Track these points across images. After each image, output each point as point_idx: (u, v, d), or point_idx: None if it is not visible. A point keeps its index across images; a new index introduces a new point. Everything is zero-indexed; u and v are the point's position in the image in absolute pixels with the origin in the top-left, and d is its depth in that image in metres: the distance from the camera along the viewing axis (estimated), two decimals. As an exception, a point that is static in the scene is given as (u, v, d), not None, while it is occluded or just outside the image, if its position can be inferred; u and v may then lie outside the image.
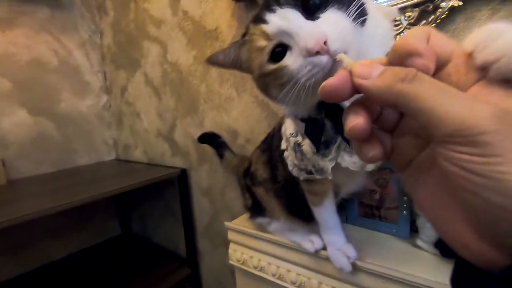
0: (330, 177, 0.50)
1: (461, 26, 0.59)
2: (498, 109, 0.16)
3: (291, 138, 0.54)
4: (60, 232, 1.43)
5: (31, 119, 1.33)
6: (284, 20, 0.32)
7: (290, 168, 0.56)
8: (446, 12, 0.59)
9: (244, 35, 0.39)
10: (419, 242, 0.61)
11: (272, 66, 0.34)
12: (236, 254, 0.80)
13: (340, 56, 0.24)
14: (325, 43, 0.29)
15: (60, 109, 1.44)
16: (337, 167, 0.49)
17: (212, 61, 0.41)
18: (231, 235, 0.81)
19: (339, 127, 0.44)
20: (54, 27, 1.41)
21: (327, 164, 0.49)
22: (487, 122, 0.15)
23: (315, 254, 0.63)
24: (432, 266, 0.55)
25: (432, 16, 0.61)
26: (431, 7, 0.60)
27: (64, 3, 1.43)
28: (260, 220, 0.72)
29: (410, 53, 0.19)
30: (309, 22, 0.31)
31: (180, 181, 1.24)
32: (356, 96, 0.21)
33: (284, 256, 0.70)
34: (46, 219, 0.85)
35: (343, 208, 0.73)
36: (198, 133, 1.17)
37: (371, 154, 0.21)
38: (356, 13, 0.31)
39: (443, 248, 0.57)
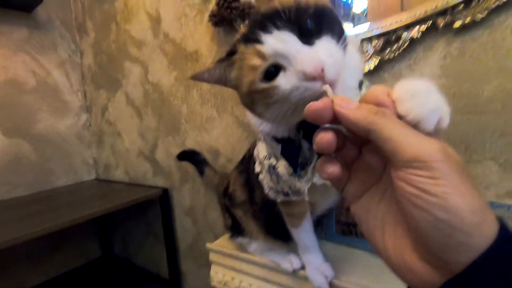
0: (306, 198, 0.52)
1: (421, 55, 0.64)
2: (442, 145, 0.21)
3: (265, 161, 0.55)
4: (36, 256, 1.37)
5: (6, 141, 1.30)
6: (281, 42, 0.32)
7: (266, 191, 0.57)
8: (407, 43, 0.64)
9: (230, 54, 0.39)
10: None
11: (263, 85, 0.35)
12: (218, 275, 0.80)
13: (325, 87, 0.28)
14: (321, 69, 0.30)
15: (38, 129, 1.40)
16: (312, 186, 0.50)
17: (196, 78, 0.41)
18: (212, 257, 0.81)
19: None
20: (32, 47, 1.39)
21: (304, 185, 0.50)
22: (437, 153, 0.20)
23: (294, 274, 0.64)
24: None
25: (395, 45, 0.66)
26: (393, 37, 0.65)
27: (42, 23, 1.43)
28: (240, 240, 0.73)
29: (379, 104, 0.24)
30: (306, 47, 0.32)
31: (162, 201, 1.23)
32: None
33: (264, 277, 0.70)
34: (21, 244, 0.82)
35: (319, 225, 0.76)
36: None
37: (330, 169, 0.26)
38: (343, 43, 0.34)
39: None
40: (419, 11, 0.61)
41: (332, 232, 0.76)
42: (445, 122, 0.24)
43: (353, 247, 0.72)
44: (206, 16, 0.91)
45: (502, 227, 0.21)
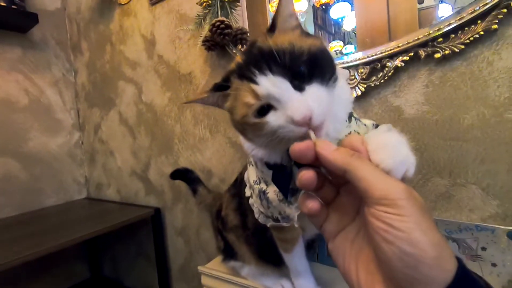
0: (296, 225, 0.53)
1: (405, 83, 0.68)
2: (407, 187, 0.25)
3: (255, 186, 0.56)
4: (22, 279, 1.33)
5: (-5, 161, 1.28)
6: (275, 87, 0.34)
7: (256, 215, 0.58)
8: (392, 71, 0.67)
9: (224, 84, 0.40)
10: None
11: (255, 120, 0.37)
12: (210, 299, 0.79)
13: (309, 132, 0.32)
14: (309, 118, 0.32)
15: (28, 148, 1.39)
16: (302, 214, 0.51)
17: (190, 104, 0.44)
18: (204, 280, 0.80)
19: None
20: (26, 66, 1.40)
21: (294, 211, 0.51)
22: (403, 193, 0.24)
23: (286, 300, 0.64)
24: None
25: (381, 73, 0.69)
26: (379, 65, 0.69)
27: (37, 43, 1.44)
28: (233, 263, 0.73)
29: (354, 150, 0.28)
30: (297, 94, 0.34)
31: (154, 220, 1.22)
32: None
33: (257, 302, 0.70)
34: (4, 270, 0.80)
35: (312, 248, 0.76)
36: (172, 172, 1.18)
37: (311, 205, 0.29)
38: (334, 81, 0.36)
39: None
40: (402, 42, 0.65)
41: (325, 255, 0.77)
42: (411, 171, 0.28)
43: (345, 270, 0.72)
44: (200, 39, 0.94)
45: (460, 265, 0.23)
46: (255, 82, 0.35)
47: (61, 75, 1.53)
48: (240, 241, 0.69)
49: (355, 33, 0.77)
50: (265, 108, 0.36)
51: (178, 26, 1.07)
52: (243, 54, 0.40)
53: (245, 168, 0.66)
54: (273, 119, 0.35)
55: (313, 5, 0.96)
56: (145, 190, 1.31)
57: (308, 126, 0.33)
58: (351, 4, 0.77)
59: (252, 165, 0.57)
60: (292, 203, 0.50)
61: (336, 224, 0.30)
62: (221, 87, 0.40)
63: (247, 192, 0.61)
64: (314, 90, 0.34)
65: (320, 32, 0.92)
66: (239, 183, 0.69)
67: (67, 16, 1.55)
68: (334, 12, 0.80)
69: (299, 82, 0.34)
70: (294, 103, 0.33)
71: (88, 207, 1.42)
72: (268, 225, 0.58)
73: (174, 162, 1.17)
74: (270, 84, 0.34)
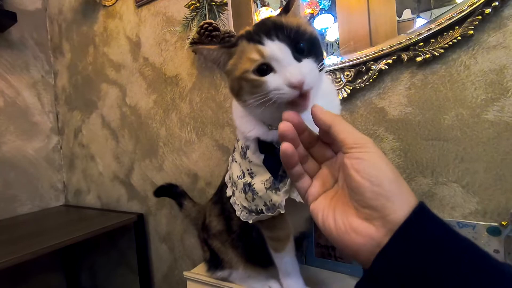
0: (282, 211, 0.51)
1: (389, 85, 0.70)
2: (371, 139, 0.32)
3: (239, 181, 0.56)
4: (-10, 294, 1.24)
5: (-36, 165, 1.20)
6: (279, 50, 0.40)
7: (238, 213, 0.58)
8: (377, 73, 0.70)
9: (232, 45, 0.44)
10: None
11: (254, 77, 0.41)
12: (196, 306, 0.77)
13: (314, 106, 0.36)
14: (302, 83, 0.38)
15: (2, 152, 1.32)
16: (288, 205, 0.51)
17: (196, 50, 0.45)
18: (190, 286, 0.78)
19: None
20: (1, 66, 1.34)
21: (281, 197, 0.51)
22: (369, 140, 0.31)
23: (275, 302, 0.63)
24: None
25: (366, 76, 0.71)
26: (364, 68, 0.71)
27: (14, 43, 1.39)
28: (220, 273, 0.70)
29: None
30: (295, 62, 0.40)
31: (136, 227, 1.18)
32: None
33: (245, 306, 0.68)
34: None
35: (299, 250, 0.76)
36: (157, 176, 1.15)
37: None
38: (321, 66, 0.43)
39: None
40: (385, 46, 0.67)
41: (312, 256, 0.76)
42: None
43: (333, 270, 0.72)
44: (187, 41, 0.94)
45: (422, 202, 0.28)
46: (262, 44, 0.40)
47: (40, 77, 1.48)
48: (225, 246, 0.67)
49: (337, 44, 0.80)
50: (264, 70, 0.41)
51: (165, 28, 1.07)
52: (254, 25, 0.45)
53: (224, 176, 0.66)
54: (271, 79, 0.40)
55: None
56: (128, 195, 1.27)
57: (300, 90, 0.38)
58: (334, 16, 0.79)
59: (236, 162, 0.58)
60: (279, 189, 0.51)
61: (318, 188, 0.36)
62: (230, 46, 0.44)
63: (228, 192, 0.61)
64: (308, 63, 0.40)
65: None
66: (220, 190, 0.70)
67: (48, 16, 1.51)
68: (318, 23, 0.82)
69: (298, 54, 0.40)
70: (292, 68, 0.39)
71: (65, 214, 1.36)
72: (250, 221, 0.57)
73: (159, 166, 1.14)
74: (276, 47, 0.40)
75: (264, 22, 0.44)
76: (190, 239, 1.08)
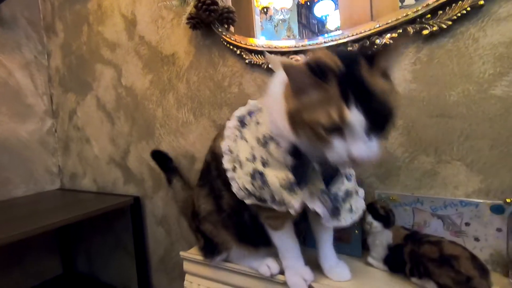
0: (293, 213, 0.51)
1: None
2: None
3: (247, 163, 0.54)
4: (-15, 276, 1.23)
5: (-44, 146, 1.17)
6: (359, 125, 0.38)
7: (235, 189, 0.56)
8: (381, 49, 0.67)
9: (325, 79, 0.39)
10: (370, 259, 0.63)
11: (322, 133, 0.41)
12: (193, 286, 0.76)
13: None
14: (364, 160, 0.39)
15: (-6, 134, 1.29)
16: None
17: (287, 68, 0.41)
18: (186, 266, 0.77)
19: (327, 177, 0.51)
20: (-8, 46, 1.30)
21: (296, 201, 0.50)
22: None
23: (272, 279, 0.61)
24: (382, 282, 0.57)
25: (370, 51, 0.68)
26: (368, 43, 0.68)
27: (5, 22, 1.34)
28: (218, 258, 0.68)
29: None
30: (366, 140, 0.40)
31: (133, 210, 1.16)
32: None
33: (242, 284, 0.67)
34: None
35: (299, 231, 0.74)
36: (153, 158, 1.13)
37: None
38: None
39: (391, 264, 0.60)
40: (391, 19, 0.64)
41: (312, 238, 0.75)
42: None
43: (332, 250, 0.71)
44: (184, 19, 0.90)
45: None
46: (348, 108, 0.38)
47: (33, 57, 1.43)
48: (217, 227, 0.66)
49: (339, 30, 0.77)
50: (332, 129, 0.40)
51: (161, 2, 1.02)
52: (344, 66, 0.40)
53: (215, 150, 0.64)
54: (337, 145, 0.40)
55: (298, 2, 0.95)
56: (124, 178, 1.25)
57: (359, 164, 0.40)
58: (335, 2, 0.77)
59: (245, 140, 0.56)
60: (296, 192, 0.50)
61: None
62: (320, 75, 0.39)
63: (227, 165, 0.59)
64: (375, 144, 0.40)
65: (303, 31, 0.92)
66: (206, 170, 0.68)
67: (40, -6, 1.46)
68: (318, 10, 0.79)
69: (371, 130, 0.39)
70: (361, 146, 0.39)
71: (61, 197, 1.34)
72: (247, 202, 0.56)
73: (155, 148, 1.12)
74: (358, 120, 0.38)
75: (355, 73, 0.39)
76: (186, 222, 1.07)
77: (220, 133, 0.65)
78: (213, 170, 0.64)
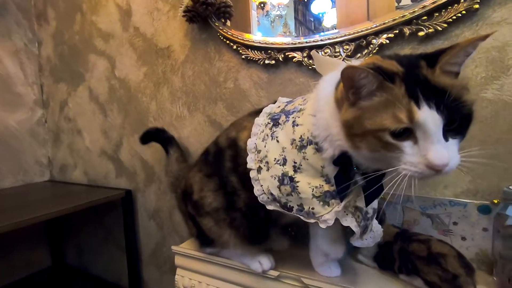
0: (323, 226, 0.48)
1: (389, 61, 0.68)
2: None
3: (276, 165, 0.51)
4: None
5: None
6: (433, 124, 0.34)
7: (257, 192, 0.53)
8: (377, 48, 0.67)
9: (390, 78, 0.36)
10: (360, 256, 0.64)
11: (390, 139, 0.36)
12: (184, 280, 0.76)
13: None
14: (444, 167, 0.35)
15: (-18, 123, 1.26)
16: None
17: (347, 71, 0.37)
18: (178, 260, 0.77)
19: (370, 191, 0.44)
20: (-19, 32, 1.26)
21: (329, 214, 0.47)
22: None
23: (264, 275, 0.62)
24: (371, 279, 0.58)
25: (366, 51, 0.69)
26: (364, 42, 0.68)
27: (-5, 8, 1.30)
28: (210, 250, 0.68)
29: None
30: (443, 141, 0.35)
31: (124, 203, 1.15)
32: None
33: (233, 279, 0.68)
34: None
35: (287, 232, 0.74)
36: (146, 152, 1.12)
37: None
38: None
39: (381, 261, 0.61)
40: (388, 19, 0.65)
41: (302, 234, 0.76)
42: None
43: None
44: (180, 11, 0.89)
45: None
46: (418, 106, 0.34)
47: (23, 45, 1.40)
48: (220, 225, 0.62)
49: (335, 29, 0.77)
50: (404, 133, 0.35)
51: (157, -6, 1.01)
52: (404, 67, 0.37)
53: (227, 141, 0.61)
54: (409, 151, 0.36)
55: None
56: (116, 171, 1.23)
57: (439, 173, 0.35)
58: (332, 1, 0.77)
59: (276, 141, 0.52)
60: (329, 204, 0.47)
61: None
62: (385, 75, 0.36)
63: (252, 164, 0.54)
64: (453, 145, 0.36)
65: (300, 28, 0.92)
66: (216, 160, 0.63)
67: (31, -20, 1.42)
68: (315, 7, 0.79)
69: (447, 132, 0.35)
70: (438, 149, 0.34)
71: (51, 189, 1.32)
72: (269, 208, 0.53)
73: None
74: (431, 118, 0.34)
75: (416, 73, 0.36)
76: (179, 215, 1.06)
77: (244, 124, 0.61)
78: (227, 161, 0.59)
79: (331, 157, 0.45)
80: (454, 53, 0.36)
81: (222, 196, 0.61)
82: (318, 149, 0.46)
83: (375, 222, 0.55)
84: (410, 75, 0.37)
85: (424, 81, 0.36)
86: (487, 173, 0.61)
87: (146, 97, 1.10)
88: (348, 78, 0.38)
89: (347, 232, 0.53)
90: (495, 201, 0.57)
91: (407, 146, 0.36)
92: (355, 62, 0.47)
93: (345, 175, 0.44)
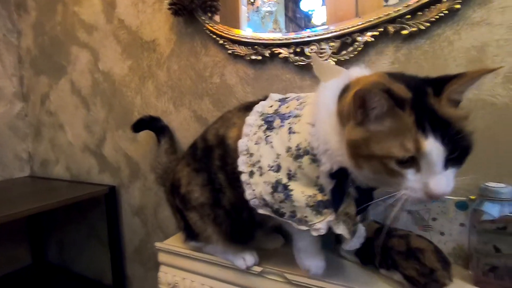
0: (315, 234, 0.48)
1: (373, 59, 0.69)
2: None
3: (269, 172, 0.50)
4: None
5: None
6: (437, 155, 0.36)
7: (248, 196, 0.52)
8: (362, 46, 0.68)
9: (401, 105, 0.36)
10: (342, 252, 0.65)
11: (395, 166, 0.37)
12: (167, 277, 0.75)
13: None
14: (441, 195, 0.37)
15: (-43, 116, 1.20)
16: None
17: (362, 92, 0.36)
18: (161, 257, 0.76)
19: (362, 201, 0.46)
20: (-44, 20, 1.20)
21: (321, 223, 0.47)
22: None
23: (247, 271, 0.62)
24: (353, 274, 0.59)
25: (351, 48, 0.69)
26: (349, 40, 0.69)
27: (-29, -5, 1.24)
28: (194, 244, 0.68)
29: None
30: (443, 171, 0.37)
31: (108, 200, 1.13)
32: None
33: (217, 276, 0.67)
34: None
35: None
36: (131, 148, 1.10)
37: None
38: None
39: (362, 257, 0.62)
40: (373, 17, 0.65)
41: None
42: None
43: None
44: (165, 4, 0.87)
45: None
46: (425, 137, 0.35)
47: (1, 36, 1.34)
48: (204, 221, 0.62)
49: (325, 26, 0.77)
50: (406, 161, 0.37)
51: (142, -14, 0.99)
52: (412, 92, 0.37)
53: (215, 138, 0.60)
54: (411, 178, 0.37)
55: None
56: (99, 167, 1.21)
57: (435, 199, 0.38)
58: None
59: (271, 146, 0.51)
60: (322, 214, 0.47)
61: None
62: (396, 101, 0.36)
63: (243, 167, 0.53)
64: (451, 174, 0.38)
65: (290, 25, 0.92)
66: (205, 155, 0.62)
67: (10, -33, 1.36)
68: (305, 4, 0.79)
69: (448, 160, 0.37)
70: (439, 179, 0.36)
71: (31, 185, 1.28)
72: (260, 212, 0.53)
73: (132, 137, 1.09)
74: (435, 149, 0.35)
75: (425, 102, 0.37)
76: (163, 212, 1.06)
77: (233, 121, 0.59)
78: (216, 160, 0.59)
79: (328, 171, 0.45)
80: (461, 83, 0.37)
81: (209, 192, 0.61)
82: (315, 160, 0.46)
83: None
84: (418, 102, 0.37)
85: (431, 111, 0.37)
86: (466, 170, 0.62)
87: (131, 91, 1.08)
88: (361, 99, 0.37)
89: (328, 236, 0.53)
90: (472, 198, 0.58)
91: (410, 173, 0.37)
92: (358, 70, 0.46)
93: (340, 188, 0.45)
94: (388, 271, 0.56)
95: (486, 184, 0.54)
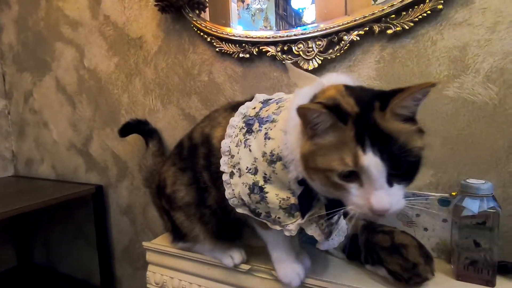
0: (288, 234, 0.49)
1: (359, 58, 0.69)
2: None
3: (247, 174, 0.51)
4: None
5: None
6: (376, 170, 0.35)
7: (228, 195, 0.53)
8: (348, 45, 0.69)
9: (343, 119, 0.37)
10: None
11: (337, 180, 0.37)
12: (156, 276, 0.75)
13: None
14: (385, 212, 0.36)
15: None
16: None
17: (301, 111, 0.37)
18: (149, 256, 0.76)
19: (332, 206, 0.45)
20: None
21: (293, 225, 0.49)
22: None
23: (235, 269, 0.62)
24: (340, 269, 0.60)
25: (337, 47, 0.70)
26: (336, 39, 0.69)
27: (-51, -12, 1.19)
28: (182, 244, 0.68)
29: None
30: (386, 186, 0.36)
31: (95, 199, 1.11)
32: None
33: (205, 274, 0.67)
34: None
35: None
36: (118, 146, 1.09)
37: None
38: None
39: (348, 253, 0.63)
40: (359, 16, 0.66)
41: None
42: None
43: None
44: (152, 0, 0.86)
45: None
46: (363, 151, 0.35)
47: (-18, 31, 1.30)
48: (191, 220, 0.62)
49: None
50: (348, 175, 0.37)
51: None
52: (360, 107, 0.37)
53: (201, 136, 0.60)
54: (354, 193, 0.37)
55: (276, -8, 0.94)
56: (86, 166, 1.19)
57: (381, 216, 0.37)
58: None
59: (249, 150, 0.51)
60: (294, 216, 0.49)
61: None
62: (340, 116, 0.36)
63: (225, 167, 0.54)
64: (398, 191, 0.37)
65: (280, 22, 0.92)
66: (190, 154, 0.62)
67: (-10, -40, 1.31)
68: (295, 2, 0.79)
69: (392, 176, 0.36)
70: (380, 195, 0.36)
71: (15, 184, 1.25)
72: (239, 211, 0.54)
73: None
74: (374, 165, 0.35)
75: (368, 116, 0.36)
76: (152, 211, 1.05)
77: (218, 120, 0.60)
78: (201, 158, 0.59)
79: (295, 178, 0.46)
80: (403, 98, 0.36)
81: (195, 191, 0.61)
82: (286, 167, 0.47)
83: (343, 222, 0.56)
84: (362, 117, 0.37)
85: (373, 125, 0.36)
86: (448, 167, 0.64)
87: (117, 89, 1.06)
88: (302, 116, 0.38)
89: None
90: (453, 194, 0.60)
91: (353, 188, 0.37)
92: (334, 77, 0.47)
93: (308, 194, 0.46)
94: (373, 266, 0.57)
95: (467, 180, 0.56)
